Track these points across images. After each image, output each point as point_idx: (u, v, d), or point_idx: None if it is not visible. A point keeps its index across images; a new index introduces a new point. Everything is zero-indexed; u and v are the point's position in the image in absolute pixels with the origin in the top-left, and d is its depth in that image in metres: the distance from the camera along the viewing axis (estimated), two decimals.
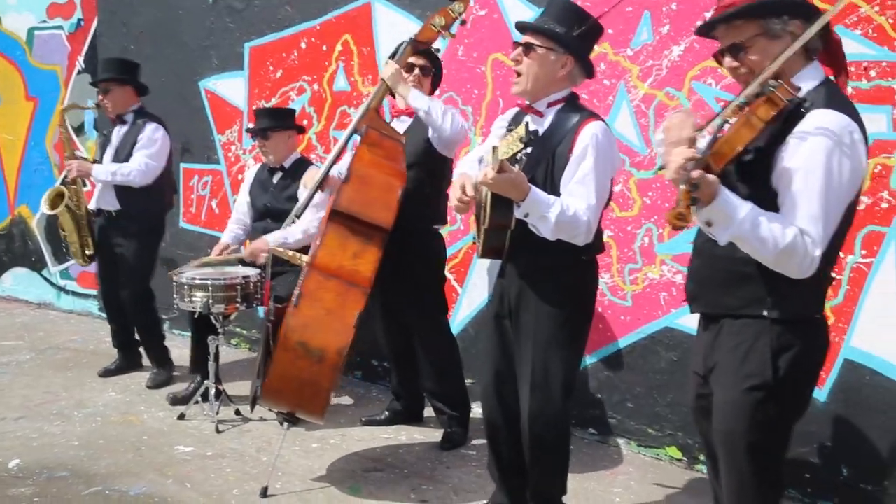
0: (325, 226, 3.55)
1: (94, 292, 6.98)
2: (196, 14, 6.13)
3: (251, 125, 4.96)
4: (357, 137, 3.92)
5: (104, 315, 6.76)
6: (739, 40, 2.21)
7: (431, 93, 4.22)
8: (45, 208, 5.16)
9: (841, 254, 3.38)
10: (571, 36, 2.88)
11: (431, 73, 4.14)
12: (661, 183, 3.98)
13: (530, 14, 4.40)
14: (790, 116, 2.12)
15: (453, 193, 2.97)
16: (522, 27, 3.01)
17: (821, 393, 3.53)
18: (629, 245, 4.12)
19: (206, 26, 6.08)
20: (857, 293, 3.42)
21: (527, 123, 2.73)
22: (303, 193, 4.63)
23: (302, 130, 4.99)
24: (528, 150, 2.86)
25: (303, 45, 5.53)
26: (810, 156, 2.07)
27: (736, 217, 2.07)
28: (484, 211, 2.89)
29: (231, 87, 5.99)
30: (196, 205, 6.26)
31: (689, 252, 3.85)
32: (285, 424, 3.70)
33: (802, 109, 2.13)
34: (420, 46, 3.87)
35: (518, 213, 2.76)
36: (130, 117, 5.16)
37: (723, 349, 2.31)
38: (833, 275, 2.37)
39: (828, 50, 2.26)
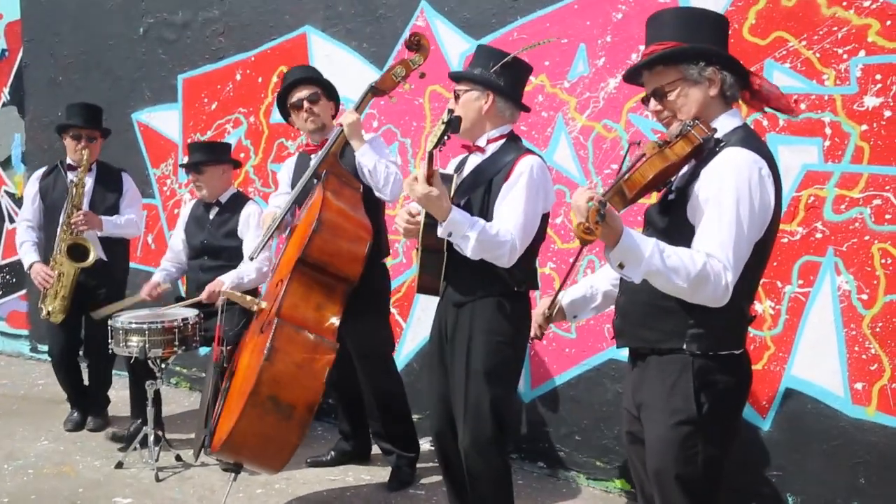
0: (289, 274, 3.45)
1: (25, 332, 6.75)
2: (126, 44, 6.00)
3: (185, 160, 4.82)
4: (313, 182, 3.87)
5: (37, 357, 6.60)
6: (661, 85, 2.29)
7: (335, 110, 4.19)
8: (69, 262, 4.76)
9: (778, 283, 3.47)
10: (487, 74, 3.05)
11: (321, 98, 4.05)
12: None
13: (467, 45, 4.40)
14: (707, 155, 2.21)
15: (399, 218, 3.09)
16: (452, 77, 3.23)
17: (764, 422, 3.56)
18: (572, 277, 4.11)
19: (137, 57, 5.95)
20: (796, 322, 3.47)
21: (449, 110, 2.75)
22: (248, 232, 4.55)
23: (238, 165, 4.89)
24: (454, 133, 2.83)
25: (238, 77, 5.44)
26: (721, 187, 2.13)
27: (643, 252, 2.08)
28: (419, 233, 3.00)
29: (165, 120, 5.87)
30: (131, 240, 6.08)
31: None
32: (231, 475, 3.59)
33: (717, 149, 2.22)
34: (379, 94, 3.85)
35: (441, 232, 2.84)
36: (94, 165, 4.99)
37: (650, 385, 2.33)
38: (756, 312, 2.43)
39: (755, 96, 2.35)
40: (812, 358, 3.44)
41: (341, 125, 3.82)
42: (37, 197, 5.06)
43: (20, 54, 6.66)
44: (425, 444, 4.60)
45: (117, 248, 5.07)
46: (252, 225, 4.59)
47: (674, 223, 2.27)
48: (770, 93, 2.29)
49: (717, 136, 2.22)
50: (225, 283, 4.36)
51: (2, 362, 6.69)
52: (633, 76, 2.40)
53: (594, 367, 4.09)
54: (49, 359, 6.30)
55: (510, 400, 3.13)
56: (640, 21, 3.79)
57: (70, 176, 4.91)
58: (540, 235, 3.06)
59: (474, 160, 3.10)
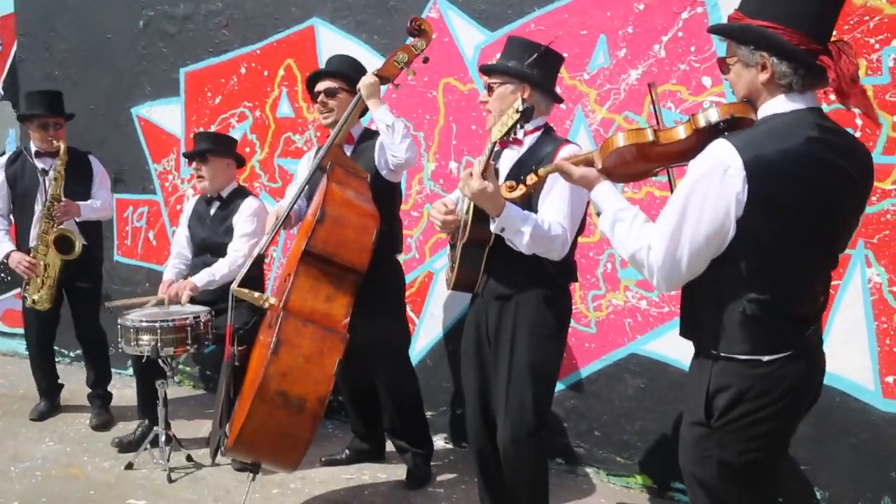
0: (296, 266, 3.38)
1: (21, 331, 6.59)
2: (126, 38, 5.88)
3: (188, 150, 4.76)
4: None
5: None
6: (724, 57, 2.20)
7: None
8: (53, 255, 4.74)
9: None
10: (522, 67, 3.03)
11: (340, 92, 3.92)
12: None
13: (482, 38, 4.35)
14: None
15: (435, 211, 3.08)
16: (485, 70, 3.18)
17: None
18: (591, 271, 4.07)
19: (137, 51, 5.83)
20: (825, 316, 3.41)
21: (522, 99, 2.62)
22: (238, 225, 4.47)
23: (243, 163, 4.80)
24: (526, 124, 2.72)
25: (242, 71, 5.34)
26: (681, 185, 2.07)
27: (603, 210, 2.25)
28: (464, 227, 2.97)
29: (166, 114, 5.76)
30: (131, 237, 5.98)
31: None
32: (249, 475, 3.50)
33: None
34: (383, 82, 3.77)
35: (494, 228, 2.80)
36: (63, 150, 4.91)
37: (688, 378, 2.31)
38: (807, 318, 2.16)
39: (837, 93, 2.08)
40: (841, 352, 3.39)
41: (358, 90, 3.71)
42: (4, 184, 5.00)
43: (14, 48, 6.51)
44: (439, 442, 4.56)
45: (94, 232, 5.06)
46: (241, 218, 4.50)
47: None
48: (854, 92, 2.04)
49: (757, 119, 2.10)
50: (197, 283, 4.32)
51: None
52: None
53: (614, 361, 4.04)
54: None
55: (551, 395, 3.09)
56: (663, 11, 3.78)
57: (39, 164, 4.88)
58: (580, 227, 3.02)
59: (510, 154, 3.05)
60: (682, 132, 2.16)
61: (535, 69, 3.03)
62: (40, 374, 5.17)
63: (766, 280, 2.06)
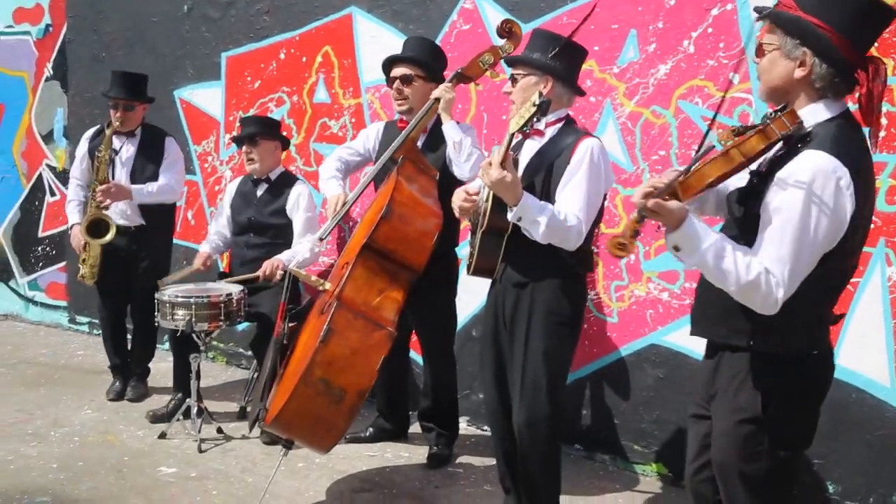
0: (354, 258, 3.47)
1: (64, 304, 6.85)
2: (170, 22, 6.03)
3: (236, 133, 4.89)
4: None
5: (75, 328, 6.70)
6: (763, 42, 2.17)
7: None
8: (87, 237, 4.79)
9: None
10: (546, 59, 3.08)
11: (416, 80, 3.95)
12: None
13: None
14: (790, 151, 2.09)
15: (456, 197, 3.18)
16: (509, 62, 3.27)
17: None
18: (615, 262, 4.13)
19: (180, 35, 5.99)
20: (844, 312, 3.46)
21: (539, 93, 2.73)
22: (297, 213, 4.61)
23: (288, 145, 4.94)
24: (542, 117, 2.81)
25: (282, 56, 5.47)
26: (790, 200, 2.03)
27: (700, 246, 2.07)
28: (483, 215, 3.05)
29: (207, 97, 5.91)
30: (175, 207, 6.14)
31: (675, 270, 3.93)
32: (282, 449, 3.63)
33: (800, 146, 2.07)
34: (465, 81, 3.82)
35: (511, 217, 2.88)
36: (139, 131, 5.06)
37: (720, 379, 2.32)
38: (840, 312, 2.32)
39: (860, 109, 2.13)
40: (858, 348, 3.44)
41: (434, 99, 3.77)
42: (86, 157, 5.13)
43: (64, 30, 6.71)
44: (461, 424, 4.65)
45: (158, 213, 5.09)
46: (302, 206, 4.63)
47: (749, 215, 2.20)
48: (876, 115, 2.09)
49: (806, 126, 2.08)
50: (284, 261, 4.44)
51: (41, 332, 6.79)
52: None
53: (635, 351, 4.11)
54: (86, 330, 6.51)
55: (564, 380, 3.18)
56: (694, 7, 3.82)
57: (115, 141, 4.97)
58: (598, 218, 3.08)
59: (532, 144, 3.13)
60: (757, 143, 2.06)
61: (558, 61, 3.08)
62: (111, 352, 5.20)
63: (824, 283, 2.15)
